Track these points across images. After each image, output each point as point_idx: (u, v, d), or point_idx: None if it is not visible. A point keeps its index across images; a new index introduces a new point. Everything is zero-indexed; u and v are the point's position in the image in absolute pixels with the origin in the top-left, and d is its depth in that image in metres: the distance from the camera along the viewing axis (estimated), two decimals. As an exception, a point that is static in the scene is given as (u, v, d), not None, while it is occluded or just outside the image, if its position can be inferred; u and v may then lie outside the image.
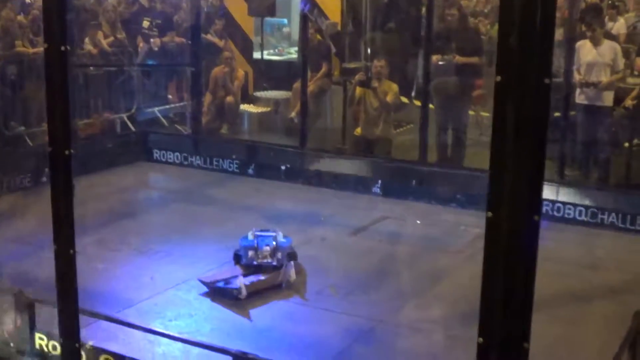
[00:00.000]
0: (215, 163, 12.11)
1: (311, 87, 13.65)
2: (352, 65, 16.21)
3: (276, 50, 18.70)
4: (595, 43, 11.46)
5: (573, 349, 6.64)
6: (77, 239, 4.13)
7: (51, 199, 3.85)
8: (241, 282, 7.50)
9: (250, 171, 11.77)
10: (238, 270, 7.85)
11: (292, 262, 7.94)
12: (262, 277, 7.76)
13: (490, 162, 2.70)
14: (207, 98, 14.58)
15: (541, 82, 2.63)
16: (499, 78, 2.67)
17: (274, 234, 8.16)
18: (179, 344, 6.12)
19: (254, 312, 7.21)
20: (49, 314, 5.71)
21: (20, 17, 14.38)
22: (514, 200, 2.69)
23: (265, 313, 7.20)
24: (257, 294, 7.53)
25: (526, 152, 2.65)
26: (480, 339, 2.87)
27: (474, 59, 12.12)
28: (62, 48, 3.63)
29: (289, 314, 7.20)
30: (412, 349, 6.62)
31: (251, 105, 16.06)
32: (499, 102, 2.67)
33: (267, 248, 7.94)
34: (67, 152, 3.73)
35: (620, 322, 6.17)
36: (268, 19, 18.66)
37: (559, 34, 12.06)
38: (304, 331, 6.88)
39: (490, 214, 2.73)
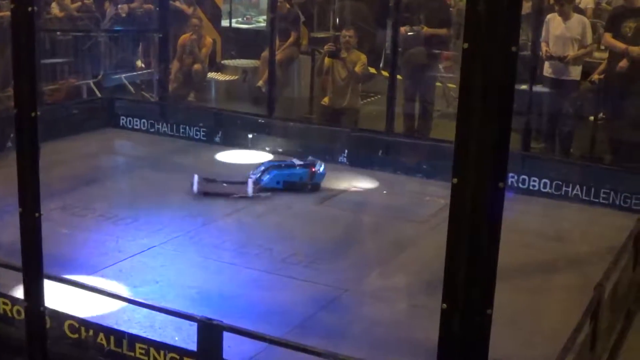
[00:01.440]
0: (182, 130, 12.06)
1: (279, 55, 13.62)
2: (320, 34, 16.23)
3: (244, 18, 18.66)
4: (565, 17, 11.51)
5: (536, 318, 6.69)
6: (41, 205, 4.11)
7: (17, 161, 3.84)
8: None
9: (217, 139, 11.74)
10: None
11: (250, 180, 9.34)
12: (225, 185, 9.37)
13: (457, 128, 2.71)
14: (175, 65, 14.51)
15: (508, 49, 2.65)
16: (466, 45, 2.68)
17: (300, 162, 9.75)
18: (144, 310, 6.11)
19: (220, 279, 7.21)
20: (13, 278, 5.70)
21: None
22: (479, 166, 2.71)
23: (231, 280, 7.20)
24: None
25: (492, 118, 2.67)
26: (444, 305, 2.89)
27: (442, 31, 12.17)
28: (29, 9, 3.60)
29: (254, 281, 7.20)
30: (376, 317, 6.65)
31: (219, 73, 16.03)
32: (466, 69, 2.68)
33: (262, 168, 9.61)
34: (33, 114, 3.71)
35: (582, 293, 6.23)
36: (237, -14, 18.63)
37: (527, 6, 12.11)
38: (269, 298, 6.89)
39: (455, 180, 2.74)
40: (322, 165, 9.80)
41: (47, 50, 14.00)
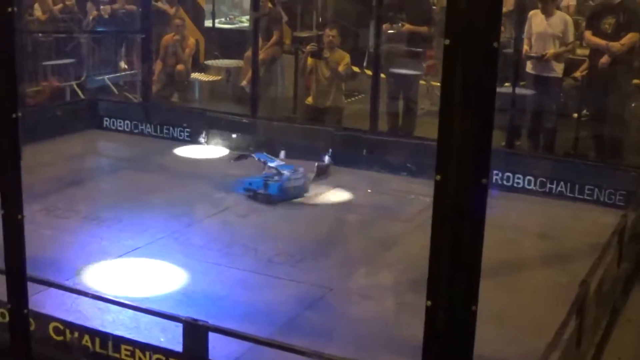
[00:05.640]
0: (165, 131, 12.04)
1: (262, 55, 13.61)
2: (303, 34, 16.23)
3: (227, 18, 18.65)
4: (547, 14, 11.54)
5: (521, 314, 6.71)
6: (24, 207, 4.09)
7: (-2, 163, 3.82)
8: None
9: (201, 139, 11.72)
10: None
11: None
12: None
13: (439, 124, 2.71)
14: (158, 66, 14.50)
15: (490, 45, 2.64)
16: (447, 41, 2.68)
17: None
18: (130, 312, 6.10)
19: (204, 279, 7.20)
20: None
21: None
22: (462, 162, 2.71)
23: (216, 280, 7.19)
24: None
25: (474, 114, 2.67)
26: (429, 302, 2.89)
27: (422, 28, 12.19)
28: (9, 10, 3.59)
29: (240, 282, 7.20)
30: (362, 315, 6.65)
31: (202, 73, 16.02)
32: (448, 65, 2.68)
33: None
34: (14, 115, 3.69)
35: (567, 289, 6.24)
36: (219, -14, 18.61)
37: (510, 3, 12.14)
38: (255, 299, 6.88)
39: (438, 176, 2.74)
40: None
41: (29, 52, 13.95)
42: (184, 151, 11.43)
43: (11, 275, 4.11)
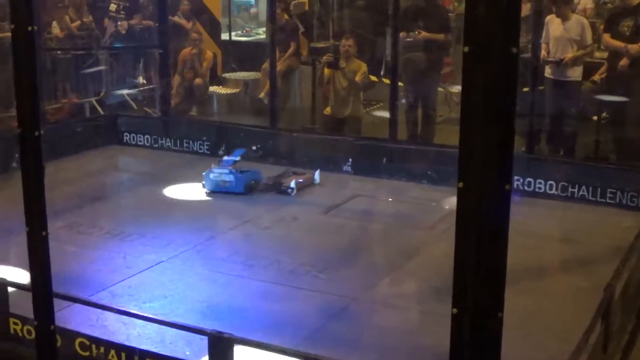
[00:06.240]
0: (185, 145, 12.08)
1: (280, 66, 13.62)
2: (320, 44, 16.23)
3: (244, 31, 18.68)
4: (563, 18, 11.50)
5: (546, 320, 6.68)
6: (48, 224, 4.11)
7: (22, 181, 3.83)
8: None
9: (221, 152, 11.73)
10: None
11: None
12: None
13: (461, 131, 2.71)
14: (176, 80, 14.55)
15: (509, 51, 2.64)
16: (466, 48, 2.68)
17: None
18: (155, 326, 6.11)
19: (228, 292, 7.21)
20: (22, 298, 5.70)
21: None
22: (485, 169, 2.71)
23: (240, 293, 7.20)
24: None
25: (495, 120, 2.66)
26: (455, 309, 2.88)
27: (439, 35, 12.16)
28: (29, 28, 3.61)
29: (263, 293, 7.20)
30: (386, 324, 6.64)
31: (220, 86, 16.04)
32: (468, 72, 2.68)
33: None
34: (36, 133, 3.71)
35: (592, 293, 6.22)
36: (235, -1, 18.64)
37: (527, 8, 12.11)
38: (278, 310, 6.89)
39: (461, 184, 2.74)
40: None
41: (48, 69, 14.02)
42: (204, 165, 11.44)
43: (37, 292, 4.13)
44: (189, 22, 16.02)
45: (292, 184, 9.99)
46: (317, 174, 10.47)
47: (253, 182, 10.15)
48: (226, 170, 10.04)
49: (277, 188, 10.07)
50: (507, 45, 2.64)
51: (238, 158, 10.37)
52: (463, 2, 16.11)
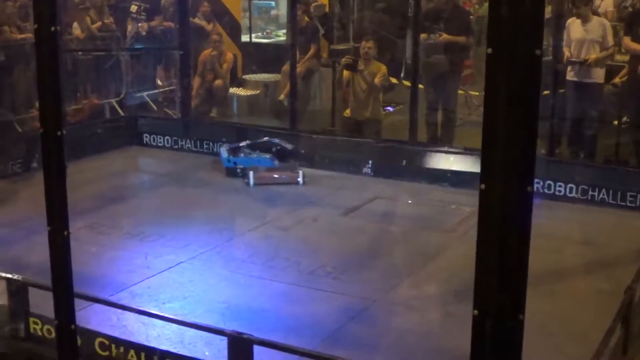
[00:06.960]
0: (205, 146, 12.10)
1: (300, 68, 13.64)
2: (340, 46, 16.24)
3: (264, 33, 18.70)
4: (583, 20, 11.48)
5: (566, 322, 6.66)
6: (69, 224, 4.12)
7: (44, 180, 3.84)
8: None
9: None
10: None
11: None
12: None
13: (483, 133, 2.70)
14: (196, 81, 14.58)
15: (532, 53, 2.64)
16: (489, 50, 2.68)
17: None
18: (174, 326, 6.13)
19: (248, 293, 7.21)
20: (43, 298, 5.72)
21: (9, 3, 14.32)
22: (507, 171, 2.70)
23: (259, 294, 7.21)
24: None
25: (518, 123, 2.65)
26: (476, 311, 2.87)
27: (459, 38, 12.14)
28: (52, 28, 3.61)
29: (283, 295, 7.21)
30: (406, 326, 6.64)
31: (240, 88, 16.08)
32: (491, 73, 2.67)
33: None
34: (59, 133, 3.72)
35: (612, 296, 6.21)
36: (256, 1, 18.67)
37: (548, 11, 12.09)
38: (298, 311, 6.89)
39: (483, 185, 2.73)
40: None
41: (69, 70, 14.08)
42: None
43: (58, 292, 4.13)
44: (209, 23, 16.05)
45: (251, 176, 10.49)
46: (301, 175, 10.62)
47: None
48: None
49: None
50: (531, 47, 2.63)
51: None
52: (483, 4, 16.10)
